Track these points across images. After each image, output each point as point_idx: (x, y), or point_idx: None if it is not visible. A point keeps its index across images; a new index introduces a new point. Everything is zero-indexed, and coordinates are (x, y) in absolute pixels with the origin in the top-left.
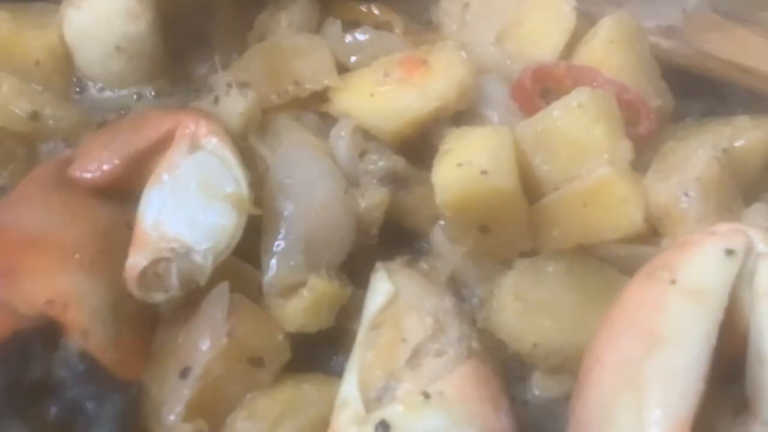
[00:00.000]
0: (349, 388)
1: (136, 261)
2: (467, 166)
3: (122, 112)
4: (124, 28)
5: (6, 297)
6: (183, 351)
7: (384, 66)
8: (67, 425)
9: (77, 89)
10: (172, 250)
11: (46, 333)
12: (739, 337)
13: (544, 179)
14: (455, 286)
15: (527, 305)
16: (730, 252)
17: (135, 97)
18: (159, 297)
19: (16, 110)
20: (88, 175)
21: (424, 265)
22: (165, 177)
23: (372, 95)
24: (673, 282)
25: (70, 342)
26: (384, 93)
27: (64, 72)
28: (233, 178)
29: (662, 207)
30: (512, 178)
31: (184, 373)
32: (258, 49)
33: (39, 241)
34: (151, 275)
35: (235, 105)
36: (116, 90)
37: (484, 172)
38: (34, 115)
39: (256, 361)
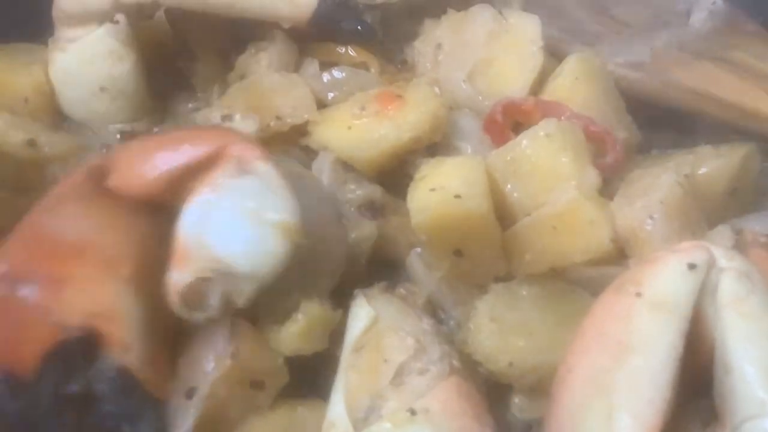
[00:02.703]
0: (336, 409)
1: (180, 277)
2: (441, 190)
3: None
4: (108, 70)
5: (50, 306)
6: (187, 372)
7: (360, 101)
8: None
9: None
10: (216, 270)
11: (87, 344)
12: (707, 350)
13: (516, 206)
14: (432, 310)
15: (502, 326)
16: (692, 266)
17: (118, 135)
18: (198, 316)
19: (13, 140)
20: (128, 188)
21: (401, 291)
22: (210, 197)
23: (349, 128)
24: (638, 295)
25: (110, 355)
26: (360, 125)
27: (51, 109)
28: (283, 206)
29: (629, 229)
30: (485, 202)
31: (190, 393)
32: (239, 87)
33: (82, 251)
34: (192, 293)
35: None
36: (99, 129)
37: (457, 196)
38: (31, 142)
39: (258, 384)
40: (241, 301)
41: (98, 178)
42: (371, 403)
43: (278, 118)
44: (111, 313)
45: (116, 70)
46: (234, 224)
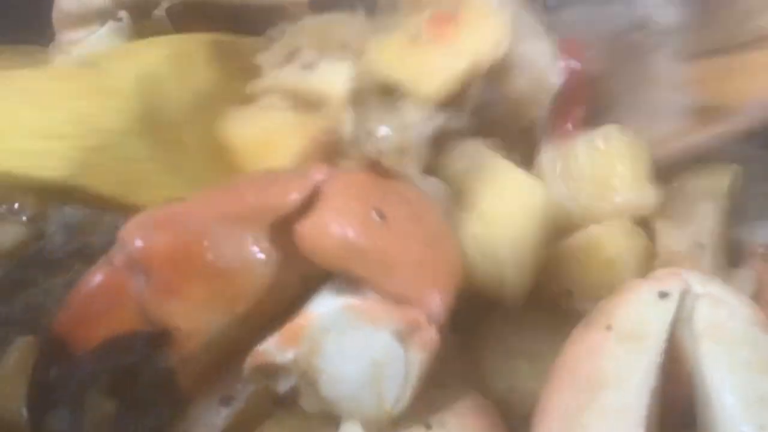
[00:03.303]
0: (350, 421)
1: (271, 353)
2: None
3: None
4: None
5: (148, 305)
6: (228, 379)
7: (413, 27)
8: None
9: None
10: (304, 374)
11: (155, 339)
12: (688, 381)
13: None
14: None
15: (505, 348)
16: (663, 294)
17: None
18: (259, 381)
19: None
20: (312, 248)
21: None
22: (370, 326)
23: (403, 58)
24: (608, 327)
25: (168, 357)
26: (416, 55)
27: None
28: (401, 400)
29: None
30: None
31: (226, 400)
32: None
33: (217, 277)
34: (269, 367)
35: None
36: None
37: None
38: None
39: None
40: (304, 404)
41: (293, 213)
42: None
43: (343, 46)
44: (196, 335)
45: None
46: (356, 368)
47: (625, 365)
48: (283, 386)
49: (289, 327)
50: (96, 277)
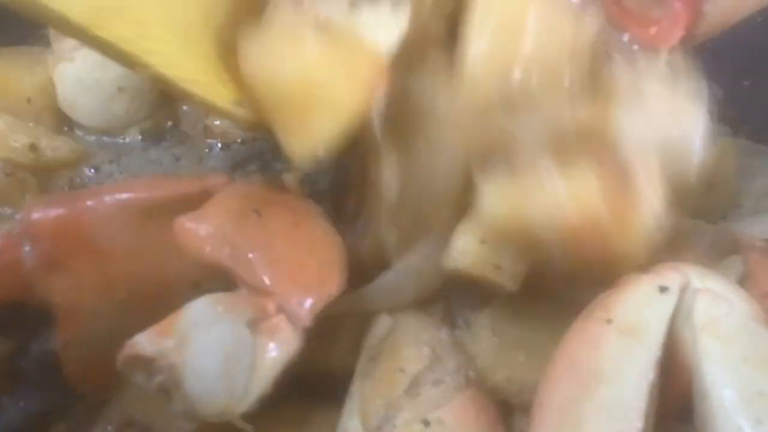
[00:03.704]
0: (350, 418)
1: (143, 345)
2: None
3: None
4: (123, 68)
5: (34, 276)
6: None
7: None
8: None
9: (65, 128)
10: (172, 368)
11: (41, 314)
12: (686, 375)
13: None
14: (451, 317)
15: (503, 340)
16: (663, 289)
17: (139, 136)
18: (131, 378)
19: (15, 144)
20: (187, 243)
21: None
22: (231, 325)
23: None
24: (608, 321)
25: (52, 338)
26: None
27: (55, 109)
28: (246, 386)
29: None
30: None
31: None
32: None
33: (106, 257)
34: (139, 361)
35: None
36: (114, 135)
37: None
38: (33, 147)
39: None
40: (172, 405)
41: (181, 206)
42: (385, 412)
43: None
44: (78, 316)
45: None
46: (213, 362)
47: (624, 359)
48: (153, 382)
49: (165, 320)
50: None
